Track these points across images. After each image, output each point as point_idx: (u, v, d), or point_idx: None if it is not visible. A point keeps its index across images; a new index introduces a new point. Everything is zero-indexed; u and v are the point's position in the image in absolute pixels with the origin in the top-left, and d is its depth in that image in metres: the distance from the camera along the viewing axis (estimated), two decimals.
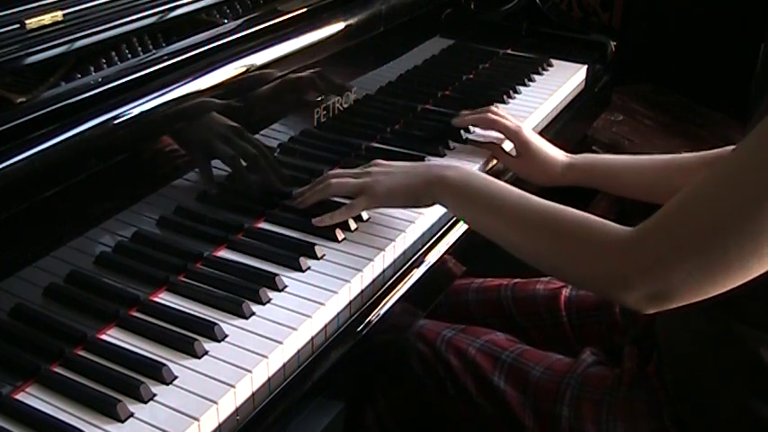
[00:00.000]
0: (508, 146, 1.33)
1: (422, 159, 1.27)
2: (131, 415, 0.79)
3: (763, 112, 0.86)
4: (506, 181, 1.24)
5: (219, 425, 0.81)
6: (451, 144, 1.34)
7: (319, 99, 1.17)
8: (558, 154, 1.27)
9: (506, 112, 1.35)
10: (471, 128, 1.38)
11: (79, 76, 0.91)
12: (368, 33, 1.21)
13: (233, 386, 0.82)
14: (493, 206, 0.96)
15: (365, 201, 1.06)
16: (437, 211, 1.15)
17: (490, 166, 1.32)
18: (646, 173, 1.21)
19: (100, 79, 0.88)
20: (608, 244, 0.86)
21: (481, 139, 1.34)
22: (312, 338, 0.92)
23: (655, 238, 0.82)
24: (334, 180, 1.08)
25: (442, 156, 1.31)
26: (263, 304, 0.94)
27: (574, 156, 1.27)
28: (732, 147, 1.13)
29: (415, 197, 1.04)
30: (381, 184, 1.05)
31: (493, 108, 1.34)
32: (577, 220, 0.90)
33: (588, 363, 1.09)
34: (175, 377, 0.84)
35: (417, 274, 1.07)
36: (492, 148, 1.31)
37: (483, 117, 1.32)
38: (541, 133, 1.48)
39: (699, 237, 0.78)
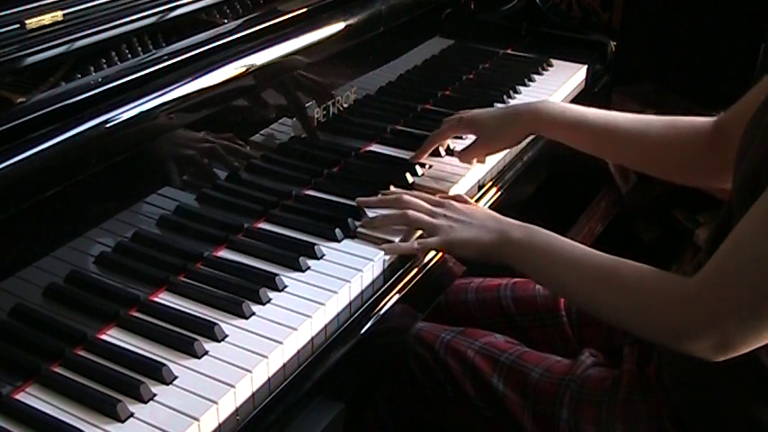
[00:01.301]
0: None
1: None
2: (131, 415, 0.79)
3: (761, 110, 0.87)
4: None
5: (219, 425, 0.81)
6: (452, 144, 1.33)
7: (319, 99, 1.17)
8: (516, 106, 1.26)
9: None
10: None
11: (79, 76, 0.91)
12: (368, 33, 1.21)
13: (233, 386, 0.82)
14: (557, 262, 0.98)
15: (437, 243, 1.05)
16: None
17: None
18: (612, 131, 1.19)
19: (100, 79, 0.88)
20: (666, 298, 0.88)
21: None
22: (312, 338, 0.92)
23: (708, 291, 0.84)
24: (410, 212, 1.07)
25: (442, 156, 1.30)
26: (263, 304, 0.94)
27: (537, 103, 1.24)
28: (699, 118, 1.13)
29: (486, 254, 1.04)
30: (455, 233, 1.05)
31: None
32: (637, 273, 0.92)
33: (587, 364, 1.09)
34: (175, 377, 0.84)
35: (417, 274, 1.06)
36: (460, 156, 1.27)
37: (431, 142, 1.29)
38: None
39: (749, 288, 0.81)
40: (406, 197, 1.10)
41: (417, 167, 1.25)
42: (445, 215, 1.07)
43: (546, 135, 1.25)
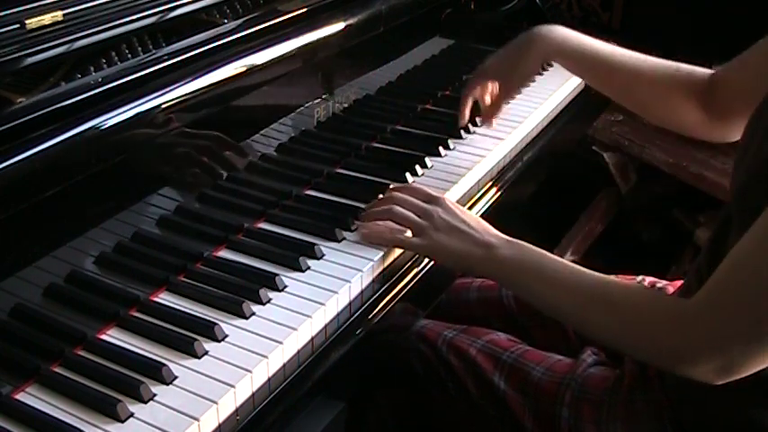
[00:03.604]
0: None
1: (422, 159, 1.27)
2: (131, 415, 0.79)
3: (759, 110, 0.87)
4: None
5: (219, 425, 0.81)
6: (451, 144, 1.33)
7: (319, 99, 1.17)
8: (518, 38, 1.27)
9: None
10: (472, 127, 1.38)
11: (79, 76, 0.91)
12: (368, 33, 1.21)
13: (233, 386, 0.82)
14: (547, 282, 0.94)
15: (418, 245, 1.02)
16: None
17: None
18: (623, 67, 1.19)
19: (100, 79, 0.88)
20: (662, 319, 0.86)
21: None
22: (312, 338, 0.92)
23: (707, 313, 0.82)
24: (396, 208, 1.04)
25: (442, 156, 1.30)
26: (263, 304, 0.94)
27: (541, 31, 1.25)
28: (705, 70, 1.13)
29: (468, 267, 1.01)
30: (439, 238, 1.00)
31: None
32: (629, 292, 0.90)
33: (588, 363, 1.09)
34: (175, 377, 0.84)
35: (418, 273, 1.06)
36: (485, 113, 1.33)
37: (464, 103, 1.33)
38: (541, 134, 1.48)
39: (749, 308, 0.78)
40: (397, 193, 1.08)
41: (417, 167, 1.25)
42: (433, 216, 1.02)
43: (552, 60, 1.27)
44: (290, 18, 1.11)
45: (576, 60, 1.22)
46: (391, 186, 1.14)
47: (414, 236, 1.03)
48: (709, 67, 1.16)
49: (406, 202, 1.05)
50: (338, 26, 1.14)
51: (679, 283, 1.14)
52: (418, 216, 1.03)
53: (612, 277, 0.93)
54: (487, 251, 0.97)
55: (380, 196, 1.15)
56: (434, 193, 1.07)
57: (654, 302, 0.88)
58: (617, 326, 0.90)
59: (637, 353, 0.93)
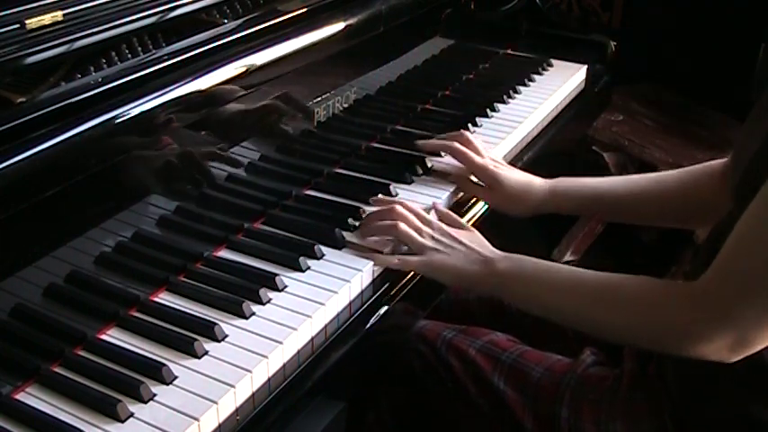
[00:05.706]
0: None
1: (421, 159, 1.27)
2: (131, 415, 0.79)
3: (759, 110, 0.87)
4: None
5: (219, 425, 0.81)
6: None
7: (319, 99, 1.17)
8: (533, 180, 1.22)
9: (479, 139, 1.27)
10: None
11: (79, 76, 0.91)
12: (368, 33, 1.21)
13: (233, 386, 0.82)
14: (548, 288, 0.97)
15: (419, 264, 1.04)
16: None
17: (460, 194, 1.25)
18: (631, 195, 1.18)
19: (100, 79, 0.88)
20: (673, 302, 0.87)
21: (447, 167, 1.27)
22: (312, 338, 0.92)
23: (717, 287, 0.83)
24: (401, 226, 1.05)
25: (442, 156, 1.30)
26: (263, 304, 0.94)
27: (552, 181, 1.22)
28: (712, 162, 1.12)
29: (468, 284, 1.04)
30: (440, 257, 1.03)
31: (465, 135, 1.26)
32: (638, 284, 0.91)
33: (588, 363, 1.09)
34: (175, 377, 0.84)
35: (417, 274, 1.06)
36: (457, 180, 1.24)
37: (449, 146, 1.25)
38: (541, 134, 1.48)
39: (759, 277, 0.79)
40: (399, 209, 1.08)
41: (417, 167, 1.25)
42: (432, 236, 1.05)
43: (564, 211, 1.22)
44: (290, 18, 1.11)
45: (592, 203, 1.19)
46: (387, 205, 1.11)
47: (414, 253, 1.04)
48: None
49: (408, 221, 1.06)
50: (338, 26, 1.14)
51: None
52: (418, 234, 1.05)
53: (613, 273, 0.93)
54: (485, 267, 1.00)
55: (380, 196, 1.15)
56: (429, 217, 1.08)
57: (663, 287, 0.90)
58: (627, 319, 0.91)
59: (649, 342, 0.94)
